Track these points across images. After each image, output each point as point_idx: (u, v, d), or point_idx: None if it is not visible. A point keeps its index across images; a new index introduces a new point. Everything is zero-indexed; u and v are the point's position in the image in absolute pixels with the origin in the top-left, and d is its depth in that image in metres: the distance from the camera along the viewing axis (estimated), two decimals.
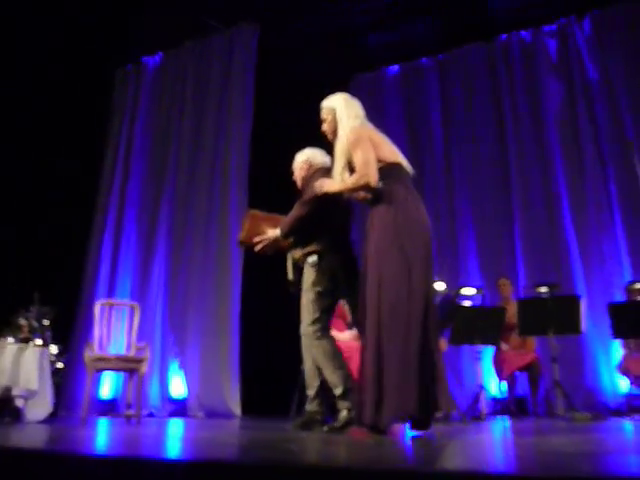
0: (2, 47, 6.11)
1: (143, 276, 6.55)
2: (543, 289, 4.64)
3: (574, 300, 4.43)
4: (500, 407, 5.02)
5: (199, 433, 2.76)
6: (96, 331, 4.34)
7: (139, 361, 4.26)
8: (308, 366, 3.05)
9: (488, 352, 5.15)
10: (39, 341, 4.93)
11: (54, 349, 5.35)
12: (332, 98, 2.95)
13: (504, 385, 5.07)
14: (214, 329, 5.96)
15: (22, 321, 4.76)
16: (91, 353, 4.15)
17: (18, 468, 1.57)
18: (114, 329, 4.51)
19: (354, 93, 3.09)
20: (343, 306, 3.68)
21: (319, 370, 2.97)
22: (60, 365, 5.70)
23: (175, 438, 2.51)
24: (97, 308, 4.46)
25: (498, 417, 4.81)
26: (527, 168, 5.99)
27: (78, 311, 6.39)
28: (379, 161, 2.64)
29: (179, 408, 6.00)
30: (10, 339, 4.55)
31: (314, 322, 2.95)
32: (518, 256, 5.78)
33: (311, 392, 3.08)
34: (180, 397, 6.08)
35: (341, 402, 2.86)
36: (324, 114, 2.93)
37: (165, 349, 6.20)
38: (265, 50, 6.59)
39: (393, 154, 2.74)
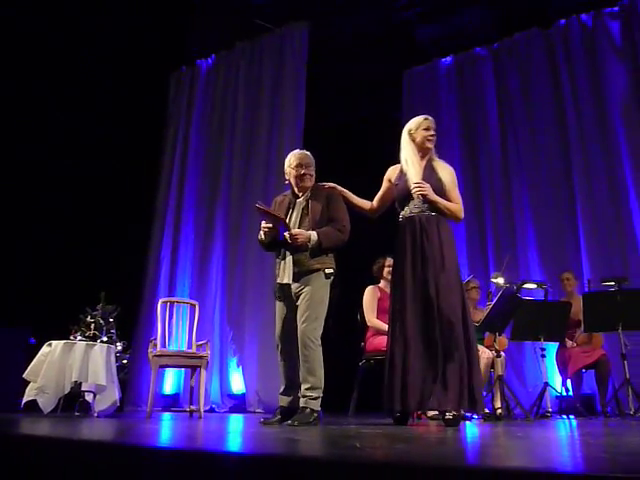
0: (64, 56, 6.40)
1: (201, 275, 6.70)
2: (610, 283, 4.44)
3: None
4: (565, 406, 4.83)
5: (260, 428, 2.79)
6: (159, 328, 4.47)
7: (200, 358, 4.36)
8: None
9: (551, 349, 4.97)
10: (105, 338, 5.12)
11: (119, 346, 5.56)
12: None
13: (569, 383, 4.89)
14: (271, 326, 6.02)
15: (89, 319, 4.95)
16: (154, 350, 4.28)
17: (88, 459, 1.63)
18: (174, 327, 4.63)
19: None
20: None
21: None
22: (125, 361, 5.91)
23: (238, 433, 2.55)
24: (159, 305, 4.60)
25: (564, 416, 4.64)
26: (590, 157, 5.75)
27: (140, 309, 6.61)
28: None
29: (238, 404, 6.11)
30: (79, 337, 4.74)
31: (319, 327, 3.27)
32: (582, 249, 5.55)
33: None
34: (239, 393, 6.19)
35: (282, 398, 3.33)
36: (435, 130, 3.25)
37: (224, 346, 6.33)
38: (315, 48, 6.60)
39: None
